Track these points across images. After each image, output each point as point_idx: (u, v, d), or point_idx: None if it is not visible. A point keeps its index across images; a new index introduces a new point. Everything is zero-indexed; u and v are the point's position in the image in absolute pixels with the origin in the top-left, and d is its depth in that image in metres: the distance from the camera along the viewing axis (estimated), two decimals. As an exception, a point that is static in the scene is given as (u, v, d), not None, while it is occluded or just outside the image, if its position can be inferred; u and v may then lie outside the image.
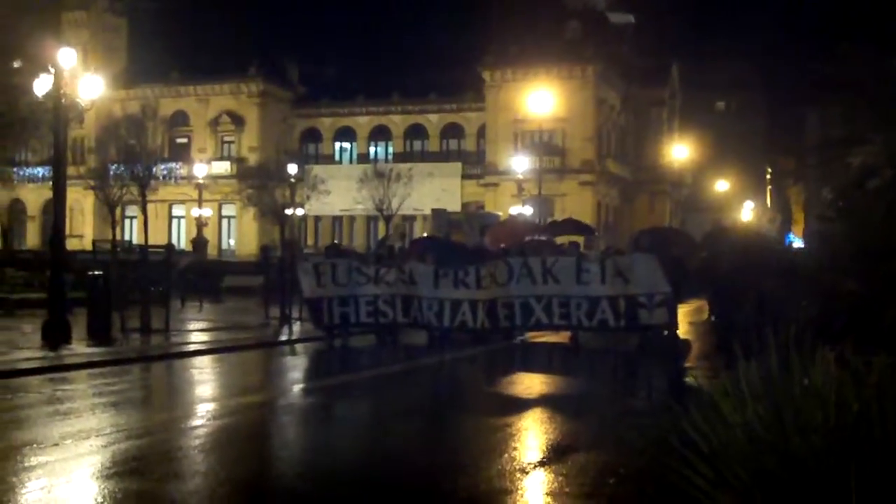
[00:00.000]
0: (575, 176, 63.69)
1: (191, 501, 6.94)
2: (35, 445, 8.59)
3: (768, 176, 78.62)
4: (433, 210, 49.62)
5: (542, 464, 8.22)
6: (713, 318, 19.25)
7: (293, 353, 18.99)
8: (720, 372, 5.24)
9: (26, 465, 7.86)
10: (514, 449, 8.89)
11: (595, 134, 64.96)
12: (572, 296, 17.60)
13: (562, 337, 19.39)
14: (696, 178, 79.35)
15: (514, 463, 8.13)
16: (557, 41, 63.82)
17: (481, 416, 10.97)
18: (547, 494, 7.25)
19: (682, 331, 19.44)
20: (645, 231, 21.46)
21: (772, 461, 4.35)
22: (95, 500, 6.82)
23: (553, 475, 7.75)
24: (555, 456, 8.44)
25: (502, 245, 24.19)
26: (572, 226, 40.21)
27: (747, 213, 64.35)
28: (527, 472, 7.84)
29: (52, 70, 18.05)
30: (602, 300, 17.39)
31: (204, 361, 16.80)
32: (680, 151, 72.05)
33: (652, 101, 71.86)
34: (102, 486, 7.16)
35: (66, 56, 18.55)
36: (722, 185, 77.49)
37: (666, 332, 17.71)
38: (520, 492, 7.24)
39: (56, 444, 8.63)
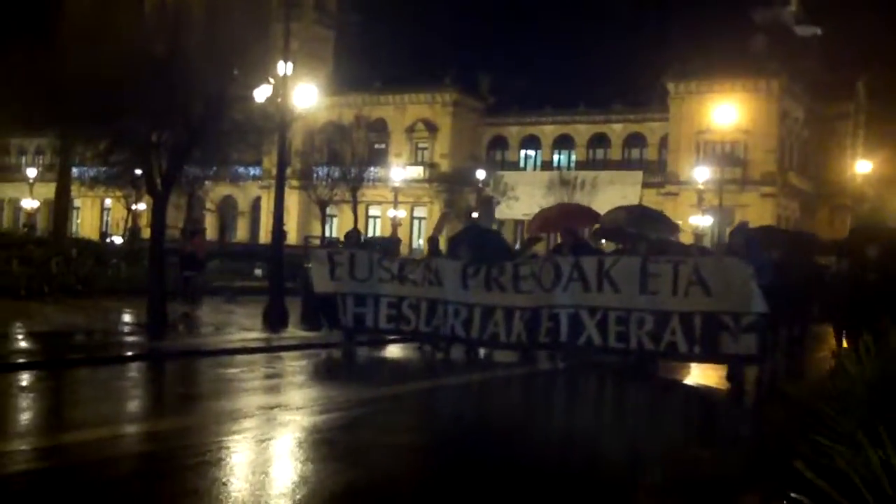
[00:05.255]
0: (756, 188, 64.30)
1: (396, 448, 8.50)
2: (270, 408, 9.96)
3: (956, 192, 76.53)
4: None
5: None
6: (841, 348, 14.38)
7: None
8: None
9: (262, 421, 9.22)
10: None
11: (777, 146, 65.34)
12: (633, 309, 13.68)
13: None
14: (881, 193, 78.12)
15: None
16: (743, 54, 64.54)
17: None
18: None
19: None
20: (742, 228, 16.01)
21: (882, 400, 5.57)
22: (323, 445, 8.19)
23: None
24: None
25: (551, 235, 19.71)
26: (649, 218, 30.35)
27: (932, 228, 63.38)
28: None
29: (272, 80, 19.32)
30: (672, 317, 13.37)
31: (401, 347, 17.34)
32: (863, 166, 71.48)
33: (836, 114, 71.50)
34: (330, 437, 8.58)
35: (287, 67, 19.97)
36: (907, 201, 76.03)
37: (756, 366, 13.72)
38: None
39: (294, 408, 10.19)
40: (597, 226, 20.95)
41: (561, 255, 15.13)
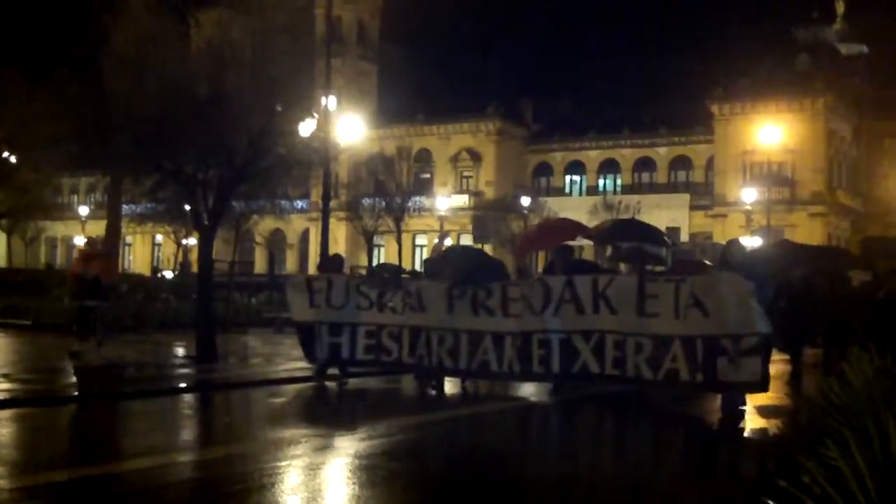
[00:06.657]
0: (805, 207, 63.58)
1: (434, 475, 8.70)
2: (314, 436, 10.25)
3: None
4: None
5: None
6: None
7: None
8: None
9: (306, 449, 9.43)
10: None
11: (825, 165, 64.65)
12: (631, 333, 12.36)
13: None
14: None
15: None
16: (787, 74, 64.22)
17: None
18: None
19: None
20: (737, 241, 14.36)
21: (885, 412, 5.44)
22: (364, 471, 8.33)
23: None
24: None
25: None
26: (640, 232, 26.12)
27: None
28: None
29: (316, 115, 19.41)
30: (674, 341, 11.96)
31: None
32: (915, 183, 70.58)
33: (886, 132, 70.47)
34: (371, 464, 8.65)
35: (331, 102, 20.52)
36: (963, 218, 74.82)
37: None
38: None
39: (336, 435, 10.44)
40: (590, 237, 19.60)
41: (552, 274, 13.89)
